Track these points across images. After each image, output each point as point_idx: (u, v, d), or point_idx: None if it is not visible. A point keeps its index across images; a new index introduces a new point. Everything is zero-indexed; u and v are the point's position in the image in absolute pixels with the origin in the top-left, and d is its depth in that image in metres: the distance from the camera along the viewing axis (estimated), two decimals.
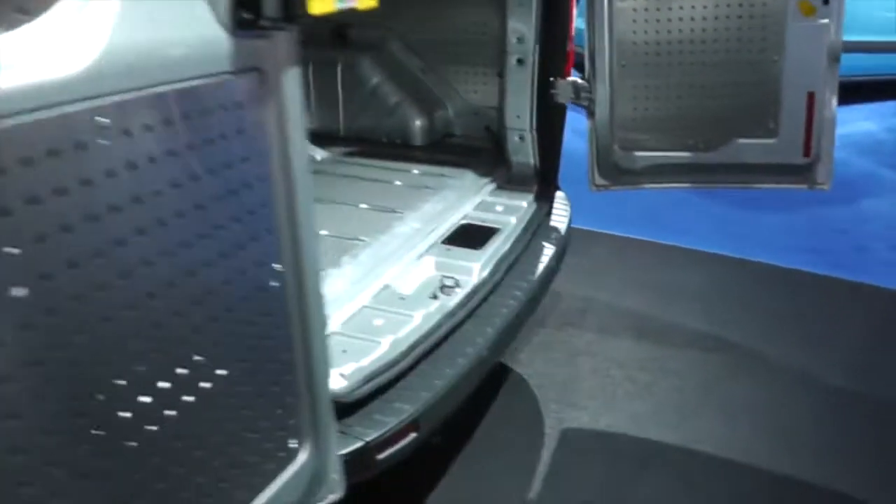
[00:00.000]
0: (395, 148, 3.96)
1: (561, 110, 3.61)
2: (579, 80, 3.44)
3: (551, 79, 3.51)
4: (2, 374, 1.10)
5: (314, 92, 4.12)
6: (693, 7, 3.21)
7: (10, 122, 1.08)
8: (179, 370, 1.40)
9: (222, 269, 1.46)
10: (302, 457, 1.74)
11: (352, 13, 3.99)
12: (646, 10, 3.26)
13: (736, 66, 3.29)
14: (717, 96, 3.32)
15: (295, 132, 1.57)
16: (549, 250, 3.24)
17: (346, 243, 2.97)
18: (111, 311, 1.24)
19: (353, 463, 2.07)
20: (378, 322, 2.55)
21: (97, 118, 1.19)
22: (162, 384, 1.35)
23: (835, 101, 3.19)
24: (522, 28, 3.50)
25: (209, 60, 1.39)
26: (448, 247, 3.05)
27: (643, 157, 3.50)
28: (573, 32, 3.55)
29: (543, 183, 3.64)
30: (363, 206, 3.31)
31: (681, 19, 3.23)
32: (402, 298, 2.69)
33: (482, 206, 3.42)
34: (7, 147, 1.08)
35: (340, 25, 4.12)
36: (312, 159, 3.89)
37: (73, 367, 1.19)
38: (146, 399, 1.32)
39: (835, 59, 3.14)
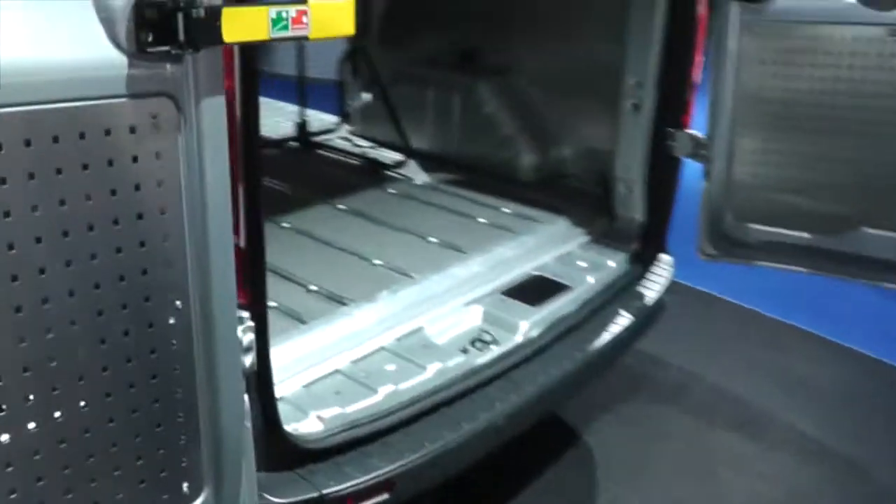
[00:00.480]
0: (500, 182, 3.77)
1: (676, 164, 3.26)
2: (699, 135, 3.10)
3: (669, 129, 3.19)
4: None
5: (433, 114, 4.02)
6: (835, 62, 2.77)
7: None
8: (56, 412, 1.34)
9: (102, 301, 1.37)
10: (198, 502, 1.62)
11: (481, 36, 3.83)
12: (777, 60, 2.86)
13: (879, 141, 2.83)
14: (851, 173, 2.86)
15: (212, 162, 1.45)
16: (623, 320, 2.92)
17: (394, 277, 2.83)
18: None
19: None
20: (389, 367, 2.38)
21: None
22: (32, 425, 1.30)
23: None
24: (640, 70, 3.19)
25: (103, 83, 1.31)
26: (504, 298, 2.82)
27: (759, 231, 3.09)
28: (696, 80, 3.20)
29: (646, 242, 3.31)
30: (432, 239, 3.15)
31: (818, 76, 2.81)
32: (427, 346, 2.51)
33: (563, 259, 3.15)
34: None
35: (469, 49, 3.99)
36: (411, 182, 3.79)
37: None
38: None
39: None
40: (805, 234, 2.99)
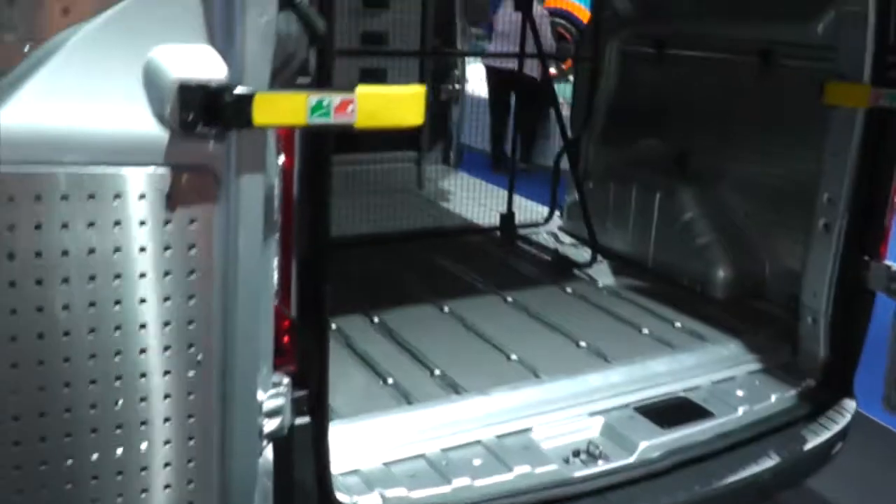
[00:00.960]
0: (687, 294, 3.57)
1: (868, 298, 2.90)
2: None
3: (863, 257, 2.86)
4: None
5: (634, 215, 3.93)
6: None
7: None
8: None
9: (121, 343, 1.53)
10: None
11: (692, 141, 3.71)
12: None
13: None
14: None
15: (246, 234, 1.58)
16: (767, 462, 2.60)
17: (523, 373, 2.80)
18: None
19: None
20: (476, 461, 2.35)
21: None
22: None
23: None
24: (834, 185, 2.90)
25: (155, 152, 1.50)
26: (634, 415, 2.66)
27: None
28: None
29: (824, 381, 2.95)
30: (582, 343, 3.06)
31: None
32: (527, 449, 2.44)
33: (721, 384, 2.90)
34: None
35: (680, 152, 3.86)
36: (594, 284, 3.73)
37: None
38: None
39: None
40: None
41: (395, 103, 1.64)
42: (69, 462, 1.53)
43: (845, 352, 2.96)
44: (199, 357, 1.62)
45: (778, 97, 3.36)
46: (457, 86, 5.32)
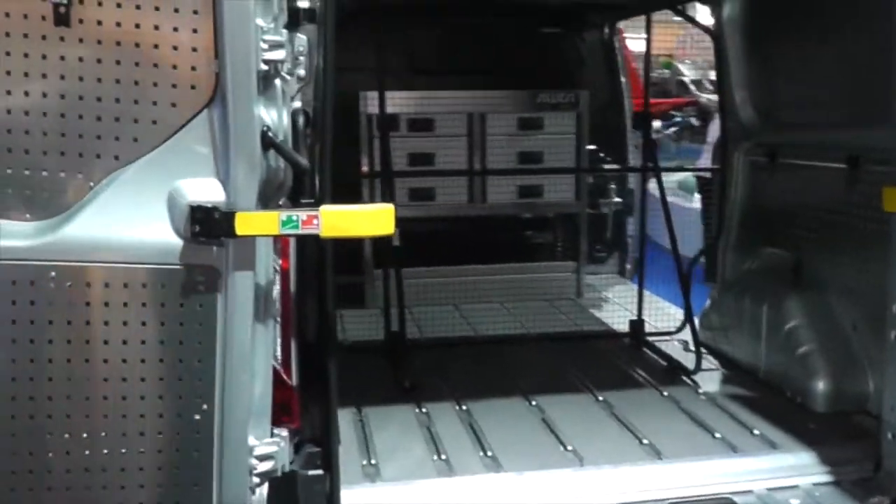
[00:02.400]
0: (789, 404, 3.53)
1: None
2: None
3: None
4: None
5: (748, 323, 3.96)
6: None
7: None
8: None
9: (143, 390, 2.10)
10: None
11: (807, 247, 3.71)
12: None
13: None
14: None
15: (239, 316, 2.10)
16: None
17: (569, 460, 3.02)
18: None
19: None
20: None
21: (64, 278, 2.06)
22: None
23: None
24: None
25: (173, 255, 2.09)
26: None
27: None
28: None
29: None
30: (644, 441, 3.19)
31: None
32: None
33: (775, 491, 2.90)
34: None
35: (795, 262, 3.87)
36: (694, 389, 3.80)
37: None
38: None
39: None
40: None
41: (359, 218, 2.12)
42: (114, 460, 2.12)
43: None
44: (204, 406, 2.14)
45: (870, 204, 3.34)
46: (617, 199, 5.61)
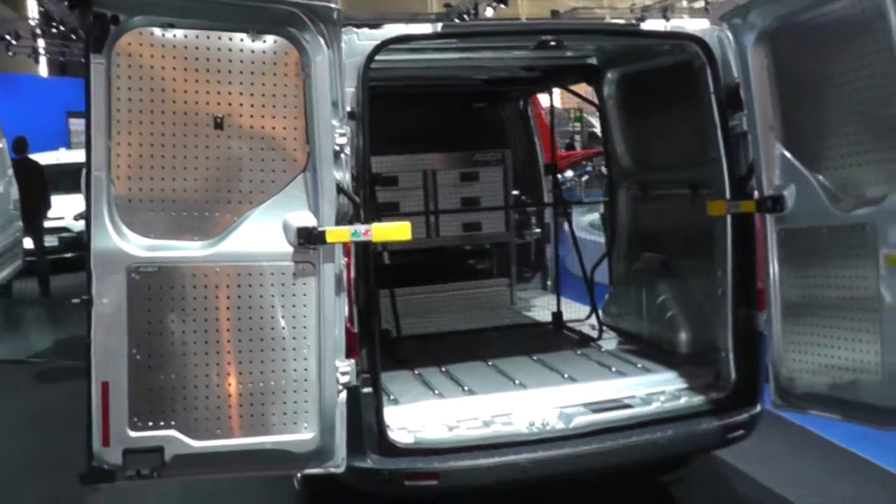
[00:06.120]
0: (663, 352, 5.25)
1: (757, 337, 4.43)
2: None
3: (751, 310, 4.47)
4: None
5: (637, 304, 5.67)
6: None
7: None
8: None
9: (272, 336, 3.64)
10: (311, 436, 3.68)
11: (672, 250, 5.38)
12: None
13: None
14: None
15: (328, 294, 3.64)
16: (664, 432, 4.26)
17: (520, 389, 4.62)
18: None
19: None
20: (473, 424, 4.21)
21: (224, 273, 3.59)
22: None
23: None
24: (722, 266, 4.59)
25: (287, 256, 3.64)
26: (582, 409, 4.39)
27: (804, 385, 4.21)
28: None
29: (733, 395, 4.47)
30: (565, 375, 4.82)
31: None
32: (508, 422, 4.25)
33: (651, 394, 4.55)
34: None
35: (665, 261, 5.61)
36: (599, 349, 5.47)
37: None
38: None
39: None
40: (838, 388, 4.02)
41: (392, 231, 3.73)
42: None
43: (748, 373, 4.50)
44: (310, 343, 3.68)
45: (704, 215, 5.09)
46: (537, 230, 7.35)
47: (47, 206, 12.43)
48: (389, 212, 6.38)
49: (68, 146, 18.49)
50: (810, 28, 4.00)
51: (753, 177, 4.36)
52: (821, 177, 4.06)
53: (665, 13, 24.97)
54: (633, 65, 5.65)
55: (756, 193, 4.32)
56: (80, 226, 12.53)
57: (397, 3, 24.69)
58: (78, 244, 12.74)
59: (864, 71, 3.77)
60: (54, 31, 21.77)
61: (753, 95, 4.27)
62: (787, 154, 4.20)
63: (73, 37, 21.94)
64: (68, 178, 13.36)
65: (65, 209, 13.35)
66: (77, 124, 21.25)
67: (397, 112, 6.20)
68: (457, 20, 23.57)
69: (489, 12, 23.14)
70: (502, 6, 22.78)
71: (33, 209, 12.02)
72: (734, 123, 4.44)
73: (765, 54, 4.24)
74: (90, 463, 3.33)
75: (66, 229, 13.62)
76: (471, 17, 23.73)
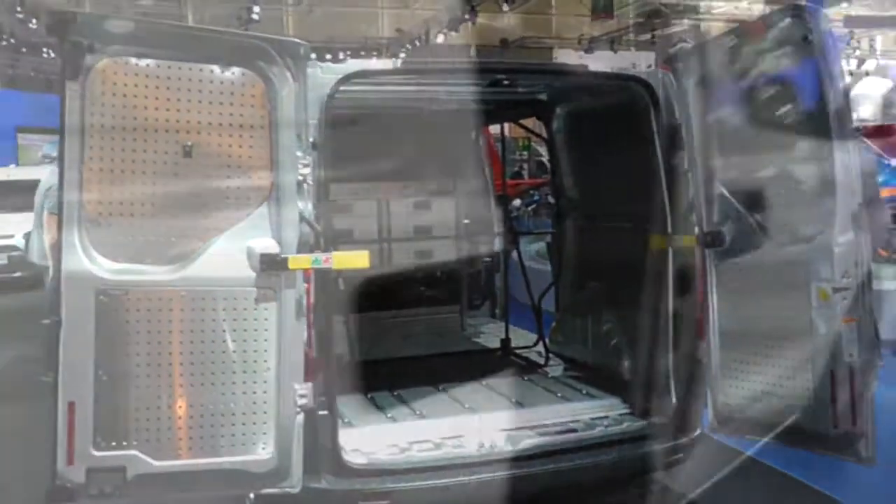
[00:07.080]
0: (606, 378, 5.47)
1: (699, 364, 4.71)
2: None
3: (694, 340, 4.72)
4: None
5: (583, 332, 5.88)
6: None
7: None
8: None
9: (233, 357, 3.74)
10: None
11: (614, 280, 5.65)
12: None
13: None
14: None
15: (288, 318, 3.77)
16: (607, 455, 4.45)
17: (469, 413, 4.78)
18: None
19: None
20: (427, 447, 4.35)
21: (189, 297, 3.69)
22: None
23: None
24: (665, 299, 4.84)
25: (250, 281, 3.76)
26: (529, 432, 4.57)
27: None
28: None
29: (674, 420, 4.67)
30: (514, 400, 5.00)
31: None
32: (458, 444, 4.40)
33: (596, 419, 4.76)
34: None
35: (609, 289, 5.84)
36: (545, 374, 5.67)
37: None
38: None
39: None
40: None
41: (351, 259, 3.88)
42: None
43: (688, 399, 4.73)
44: (270, 364, 3.79)
45: (644, 248, 5.34)
46: (487, 259, 7.55)
47: None
48: (344, 240, 6.51)
49: (16, 163, 18.07)
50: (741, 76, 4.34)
51: (694, 213, 4.63)
52: (757, 215, 4.35)
53: (612, 45, 25.64)
54: (580, 101, 5.91)
55: (696, 229, 4.59)
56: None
57: (349, 27, 24.93)
58: (27, 263, 12.56)
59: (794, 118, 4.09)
60: (3, 43, 21.40)
61: (694, 136, 4.55)
62: (726, 193, 4.48)
63: (24, 49, 21.63)
64: (18, 196, 13.10)
65: (14, 227, 13.09)
66: (27, 139, 20.79)
67: (355, 141, 6.36)
68: (408, 45, 23.96)
69: (440, 38, 23.54)
70: (453, 33, 23.19)
71: None
72: (675, 162, 4.70)
73: (703, 97, 4.53)
74: (54, 481, 3.39)
75: (14, 247, 13.37)
76: (422, 42, 24.11)
